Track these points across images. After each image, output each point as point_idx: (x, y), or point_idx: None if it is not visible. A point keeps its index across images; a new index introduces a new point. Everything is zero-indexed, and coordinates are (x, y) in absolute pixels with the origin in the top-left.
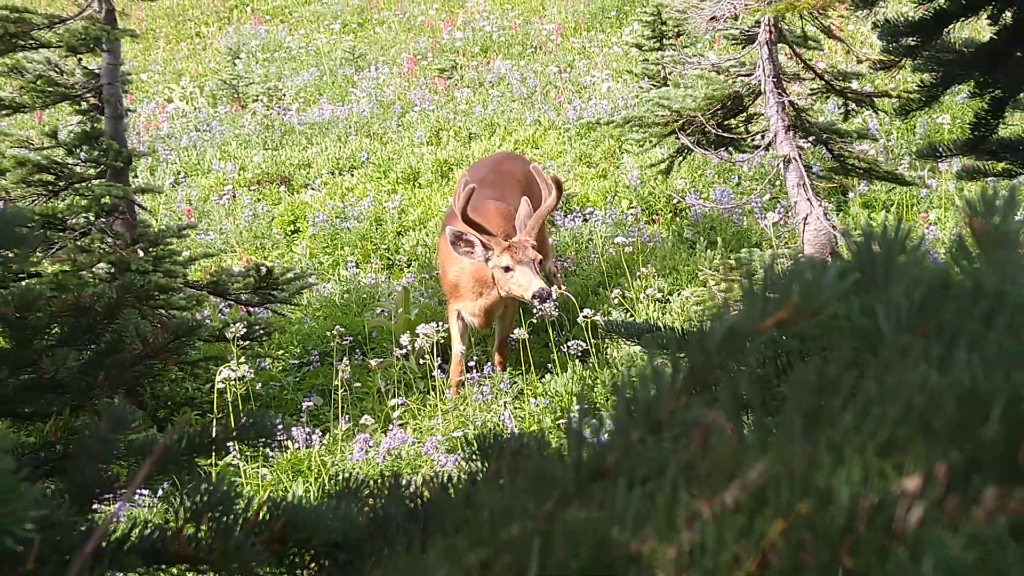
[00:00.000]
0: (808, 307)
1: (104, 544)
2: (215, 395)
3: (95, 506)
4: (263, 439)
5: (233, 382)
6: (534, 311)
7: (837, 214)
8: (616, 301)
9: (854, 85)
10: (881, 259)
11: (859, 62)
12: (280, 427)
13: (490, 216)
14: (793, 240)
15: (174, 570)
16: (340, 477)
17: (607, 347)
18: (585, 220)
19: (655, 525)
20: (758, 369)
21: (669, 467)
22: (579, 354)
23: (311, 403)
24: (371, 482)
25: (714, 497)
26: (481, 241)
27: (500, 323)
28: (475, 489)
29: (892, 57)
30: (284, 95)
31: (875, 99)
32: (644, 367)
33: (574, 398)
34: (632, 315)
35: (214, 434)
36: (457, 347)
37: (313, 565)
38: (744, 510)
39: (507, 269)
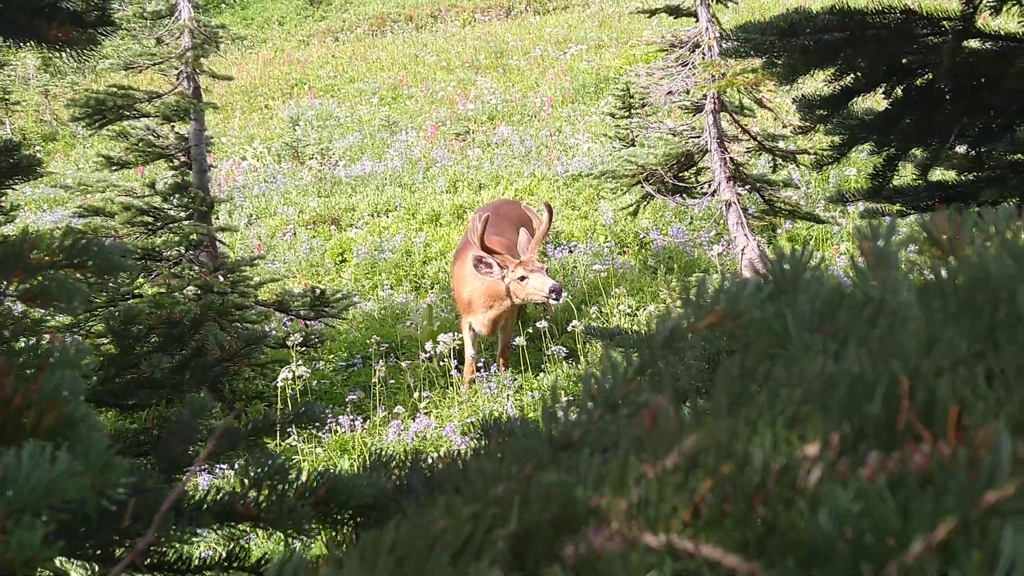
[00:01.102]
0: (732, 312)
1: (185, 505)
2: (279, 390)
3: (181, 477)
4: (314, 424)
5: (292, 380)
6: (544, 310)
7: (768, 245)
8: (595, 315)
9: (780, 145)
10: (790, 275)
11: (784, 127)
12: (329, 414)
13: (495, 246)
14: (734, 267)
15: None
16: (373, 453)
17: (588, 351)
18: (570, 251)
19: (610, 484)
20: (696, 362)
21: (622, 440)
22: (565, 356)
23: (355, 396)
24: (397, 457)
25: (657, 462)
26: (498, 263)
27: (503, 332)
28: (475, 461)
29: (808, 124)
30: (334, 154)
31: (797, 156)
32: (604, 361)
33: (560, 392)
34: (607, 324)
35: (275, 420)
36: (469, 352)
37: (350, 523)
38: (681, 472)
39: (523, 279)
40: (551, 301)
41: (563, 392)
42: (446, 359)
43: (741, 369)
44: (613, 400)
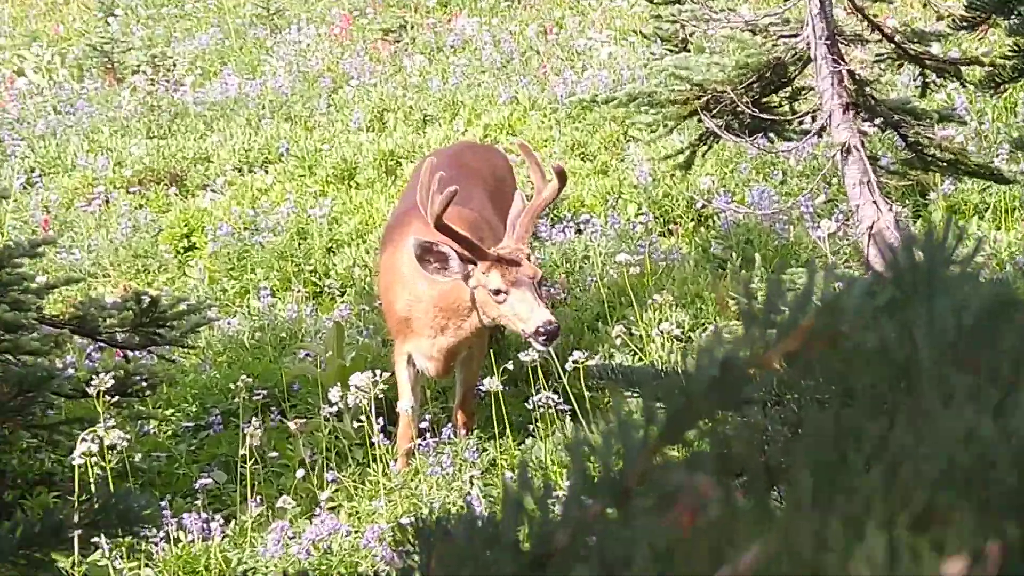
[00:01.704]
0: (825, 333)
1: None
2: (78, 470)
3: None
4: (138, 527)
5: (101, 453)
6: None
7: (914, 221)
8: (620, 340)
9: (934, 49)
10: (924, 271)
11: (940, 18)
12: (165, 511)
13: (455, 223)
14: (856, 257)
15: None
16: None
17: (607, 400)
18: (579, 231)
19: None
20: (763, 419)
21: (637, 550)
22: (568, 411)
23: (210, 480)
24: None
25: None
26: (458, 253)
27: (464, 369)
28: None
29: (979, 13)
30: (175, 65)
31: (961, 67)
32: (608, 420)
33: (556, 470)
34: (642, 357)
35: (69, 521)
36: (406, 403)
37: None
38: None
39: (497, 292)
40: (536, 344)
41: (558, 472)
42: (366, 415)
43: (838, 428)
44: (624, 483)
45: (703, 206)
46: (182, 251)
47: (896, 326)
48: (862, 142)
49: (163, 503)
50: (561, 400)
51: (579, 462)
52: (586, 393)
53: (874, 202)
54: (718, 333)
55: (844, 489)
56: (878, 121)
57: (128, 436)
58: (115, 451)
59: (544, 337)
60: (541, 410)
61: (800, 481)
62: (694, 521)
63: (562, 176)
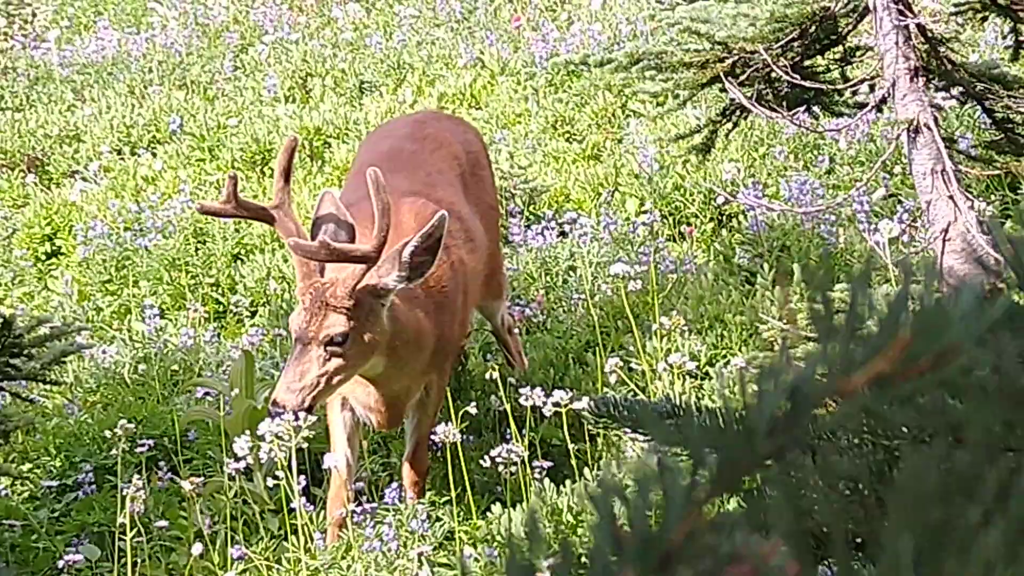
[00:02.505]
0: (926, 353)
1: None
2: None
3: None
4: None
5: None
6: (509, 361)
7: (1003, 222)
8: (615, 376)
9: None
10: None
11: None
12: None
13: (402, 225)
14: (927, 268)
15: None
16: None
17: (600, 454)
18: (563, 234)
19: None
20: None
21: None
22: (547, 469)
23: (79, 556)
24: None
25: None
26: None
27: (417, 413)
28: None
29: None
30: (34, 16)
31: None
32: (644, 465)
33: (545, 536)
34: (643, 397)
35: None
36: (337, 456)
37: None
38: None
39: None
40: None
41: (548, 541)
42: (284, 473)
43: (945, 476)
44: (665, 546)
45: (725, 202)
46: (43, 257)
47: (1018, 343)
48: (935, 119)
49: None
50: (527, 454)
51: (607, 516)
52: (570, 445)
53: (950, 197)
54: (786, 355)
55: (955, 553)
56: (956, 92)
57: None
58: None
59: (273, 406)
60: (510, 468)
61: (898, 543)
62: None
63: (377, 183)
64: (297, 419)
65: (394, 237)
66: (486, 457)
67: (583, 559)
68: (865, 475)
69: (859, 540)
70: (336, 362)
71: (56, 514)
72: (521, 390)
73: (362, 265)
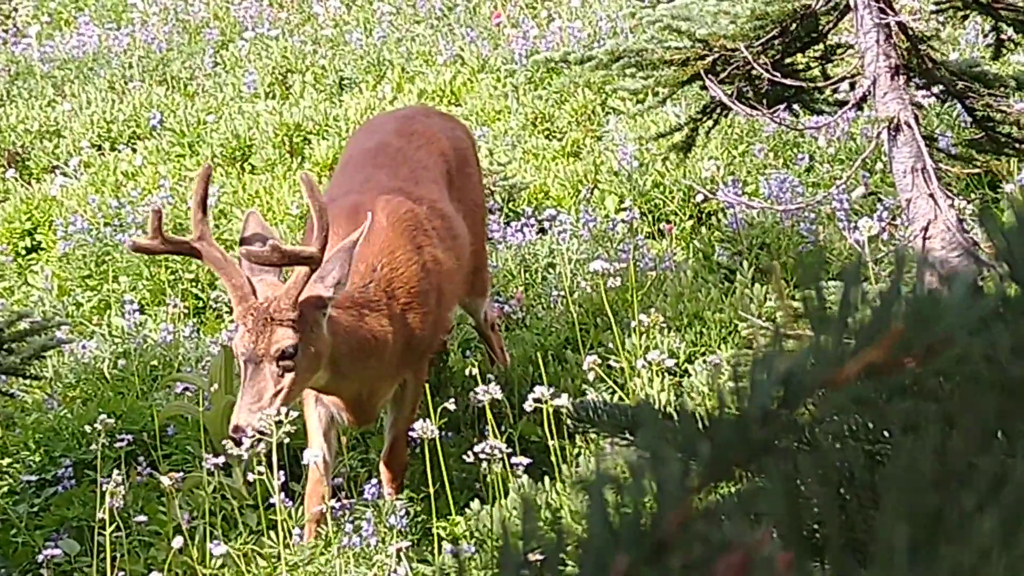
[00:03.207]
0: (920, 342)
1: None
2: None
3: None
4: None
5: None
6: (491, 358)
7: (981, 220)
8: (593, 374)
9: None
10: None
11: None
12: None
13: (376, 223)
14: (908, 266)
15: None
16: None
17: (579, 451)
18: (543, 231)
19: None
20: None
21: None
22: (526, 466)
23: (58, 551)
24: None
25: None
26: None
27: (395, 409)
28: None
29: None
30: (16, 11)
31: None
32: (638, 454)
33: (520, 542)
34: (623, 396)
35: None
36: (315, 452)
37: None
38: None
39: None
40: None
41: (515, 544)
42: (262, 468)
43: (941, 464)
44: (659, 534)
45: (705, 199)
46: (23, 252)
47: (1011, 334)
48: (916, 117)
49: None
50: (509, 451)
51: (600, 506)
52: (549, 442)
53: (931, 195)
54: (779, 342)
55: (950, 540)
56: (936, 90)
57: None
58: None
59: (232, 439)
60: (491, 464)
61: (893, 531)
62: None
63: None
64: (260, 443)
65: (368, 236)
66: (469, 453)
67: (577, 548)
68: (859, 463)
69: (853, 529)
70: (289, 376)
71: (35, 509)
72: (477, 388)
73: (303, 276)
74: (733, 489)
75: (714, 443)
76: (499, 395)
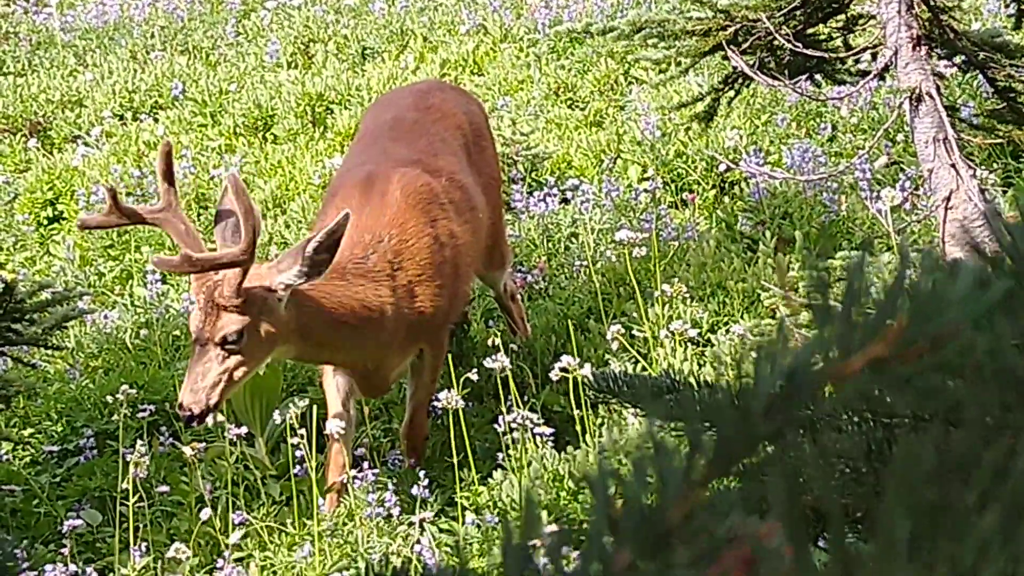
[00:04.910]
0: (923, 336)
1: None
2: None
3: None
4: None
5: None
6: (512, 328)
7: (1004, 191)
8: (616, 344)
9: None
10: None
11: None
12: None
13: (388, 195)
14: (928, 236)
15: None
16: None
17: (602, 421)
18: (565, 200)
19: None
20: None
21: None
22: (550, 436)
23: (80, 521)
24: None
25: None
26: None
27: (415, 378)
28: None
29: None
30: None
31: None
32: (640, 446)
33: (544, 512)
34: (646, 366)
35: None
36: (335, 422)
37: None
38: None
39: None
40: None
41: (546, 511)
42: (290, 437)
43: (941, 458)
44: (659, 528)
45: (727, 169)
46: (45, 222)
47: (1016, 328)
48: (937, 87)
49: (18, 551)
50: (540, 421)
51: (603, 498)
52: (574, 412)
53: (952, 165)
54: (783, 335)
55: (951, 534)
56: (958, 60)
57: None
58: None
59: (181, 409)
60: (514, 434)
61: (893, 524)
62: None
63: (252, 225)
64: (203, 421)
65: (381, 201)
66: (499, 422)
67: (580, 538)
68: (862, 456)
69: (856, 521)
70: (235, 359)
71: (58, 479)
72: (487, 359)
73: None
74: (736, 482)
75: (718, 435)
76: (508, 364)
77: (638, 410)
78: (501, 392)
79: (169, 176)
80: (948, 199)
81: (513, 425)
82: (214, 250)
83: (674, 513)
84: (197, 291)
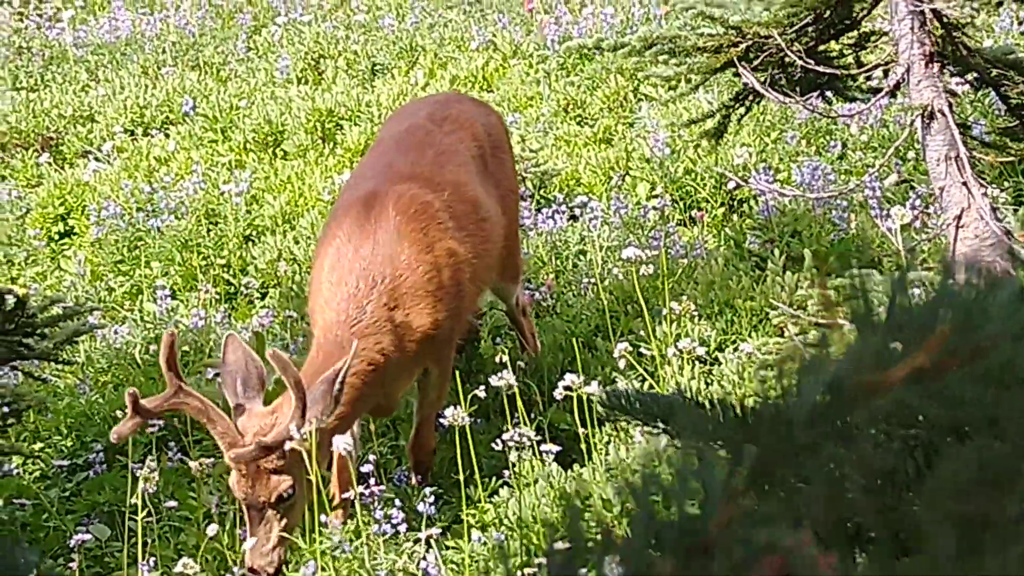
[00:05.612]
0: (964, 347)
1: None
2: None
3: None
4: None
5: None
6: (521, 345)
7: (1015, 209)
8: (624, 361)
9: None
10: None
11: None
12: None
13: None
14: (938, 254)
15: None
16: None
17: (608, 439)
18: (574, 217)
19: None
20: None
21: None
22: (556, 453)
23: (89, 535)
24: None
25: None
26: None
27: (423, 394)
28: None
29: None
30: None
31: None
32: (683, 457)
33: (548, 529)
34: (653, 384)
35: None
36: (342, 438)
37: None
38: None
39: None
40: None
41: (541, 533)
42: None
43: (984, 469)
44: (700, 537)
45: (736, 187)
46: (56, 237)
47: None
48: (950, 105)
49: (32, 560)
50: (542, 439)
51: (646, 506)
52: (579, 430)
53: (964, 183)
54: (824, 345)
55: (995, 547)
56: (971, 77)
57: None
58: None
59: None
60: (521, 452)
61: (938, 537)
62: None
63: (302, 397)
64: None
65: (374, 230)
66: (497, 441)
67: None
68: (902, 468)
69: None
70: (293, 512)
71: (67, 493)
72: (492, 376)
73: (285, 432)
74: (775, 490)
75: (759, 445)
76: (513, 383)
77: (648, 428)
78: (507, 410)
79: (173, 365)
80: (959, 217)
81: (515, 442)
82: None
83: (715, 522)
84: (236, 461)
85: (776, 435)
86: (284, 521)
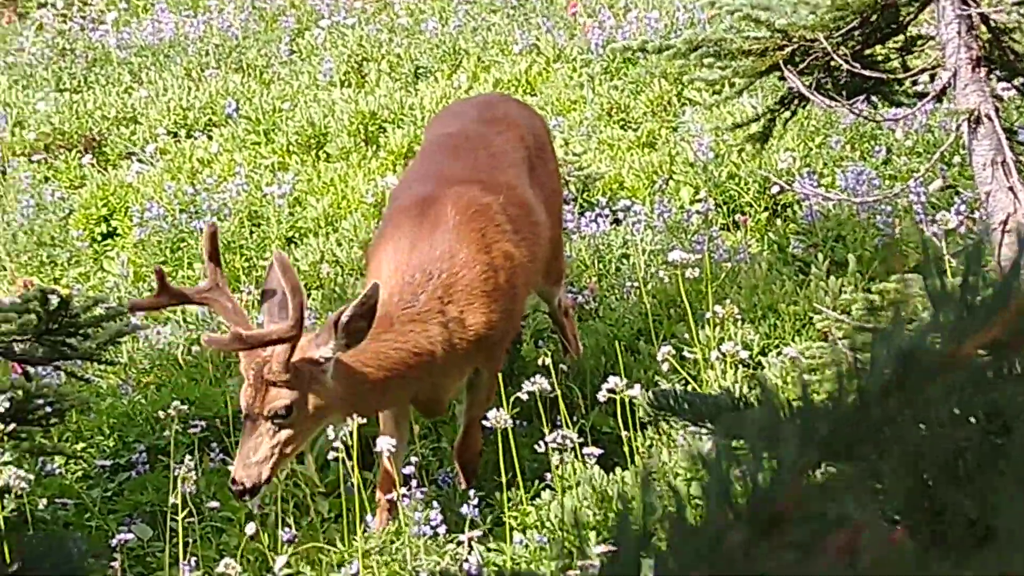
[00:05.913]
0: None
1: None
2: None
3: None
4: None
5: None
6: (564, 349)
7: None
8: (667, 365)
9: None
10: None
11: None
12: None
13: (443, 216)
14: (987, 257)
15: None
16: None
17: (651, 442)
18: (617, 221)
19: None
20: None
21: None
22: (597, 457)
23: (131, 535)
24: None
25: None
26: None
27: (470, 395)
28: None
29: None
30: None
31: None
32: (757, 432)
33: (592, 533)
34: (696, 388)
35: None
36: (386, 440)
37: None
38: None
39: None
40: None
41: (594, 531)
42: (338, 454)
43: None
44: (772, 509)
45: (780, 191)
46: (99, 238)
47: None
48: (997, 109)
49: (82, 546)
50: (584, 441)
51: (720, 478)
52: (622, 433)
53: (1010, 188)
54: (899, 316)
55: None
56: (1018, 82)
57: (28, 476)
58: (10, 495)
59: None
60: (563, 455)
61: (1016, 509)
62: (851, 555)
63: (299, 312)
64: (256, 495)
65: (433, 229)
66: (540, 443)
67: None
68: (977, 443)
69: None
70: (285, 432)
71: (109, 494)
72: (526, 381)
73: (289, 346)
74: (849, 465)
75: (831, 419)
76: (547, 388)
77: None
78: (546, 413)
79: (215, 257)
80: (1005, 222)
81: (558, 445)
82: (261, 326)
83: (787, 496)
84: (246, 367)
85: (849, 410)
86: (276, 438)
